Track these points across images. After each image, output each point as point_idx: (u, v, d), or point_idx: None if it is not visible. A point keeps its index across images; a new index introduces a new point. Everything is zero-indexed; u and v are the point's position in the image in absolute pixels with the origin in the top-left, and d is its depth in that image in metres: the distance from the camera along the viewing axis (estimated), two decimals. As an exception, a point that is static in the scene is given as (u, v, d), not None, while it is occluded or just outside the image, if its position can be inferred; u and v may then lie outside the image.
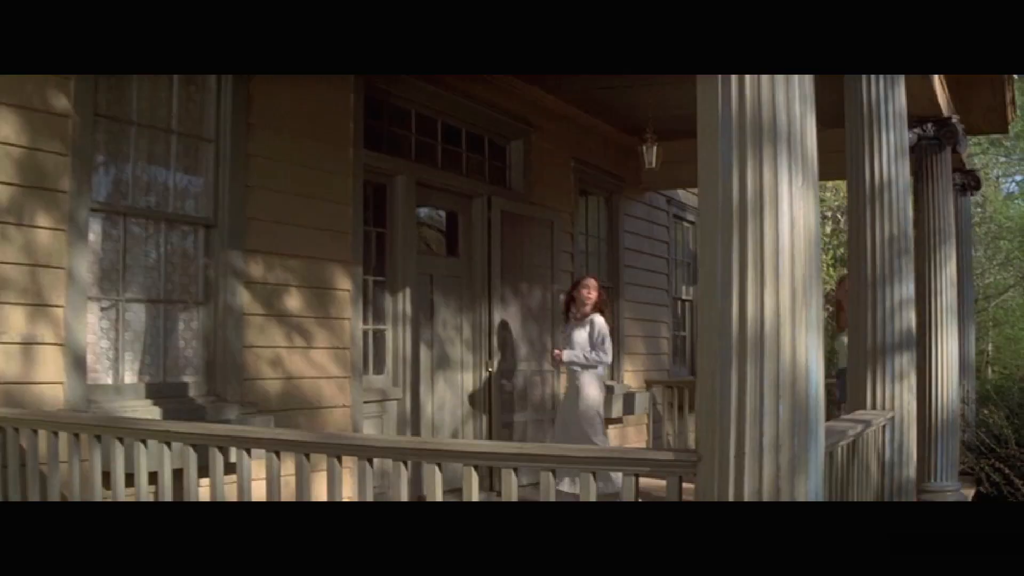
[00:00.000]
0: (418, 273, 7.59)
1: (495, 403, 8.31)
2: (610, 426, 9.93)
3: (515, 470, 3.32)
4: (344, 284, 6.66)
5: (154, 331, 5.54)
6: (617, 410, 9.70)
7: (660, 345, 11.51)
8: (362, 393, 6.80)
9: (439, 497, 3.46)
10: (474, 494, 3.39)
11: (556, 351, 7.81)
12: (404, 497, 3.56)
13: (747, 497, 2.83)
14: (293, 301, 6.25)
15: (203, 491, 4.24)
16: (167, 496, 4.08)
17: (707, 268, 2.97)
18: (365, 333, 7.05)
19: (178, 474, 4.12)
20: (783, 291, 2.88)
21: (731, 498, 2.85)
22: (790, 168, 2.91)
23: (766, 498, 2.83)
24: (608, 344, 7.71)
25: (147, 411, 5.18)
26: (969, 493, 8.22)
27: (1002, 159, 26.49)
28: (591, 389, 7.66)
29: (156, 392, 5.40)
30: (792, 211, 2.91)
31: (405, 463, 3.54)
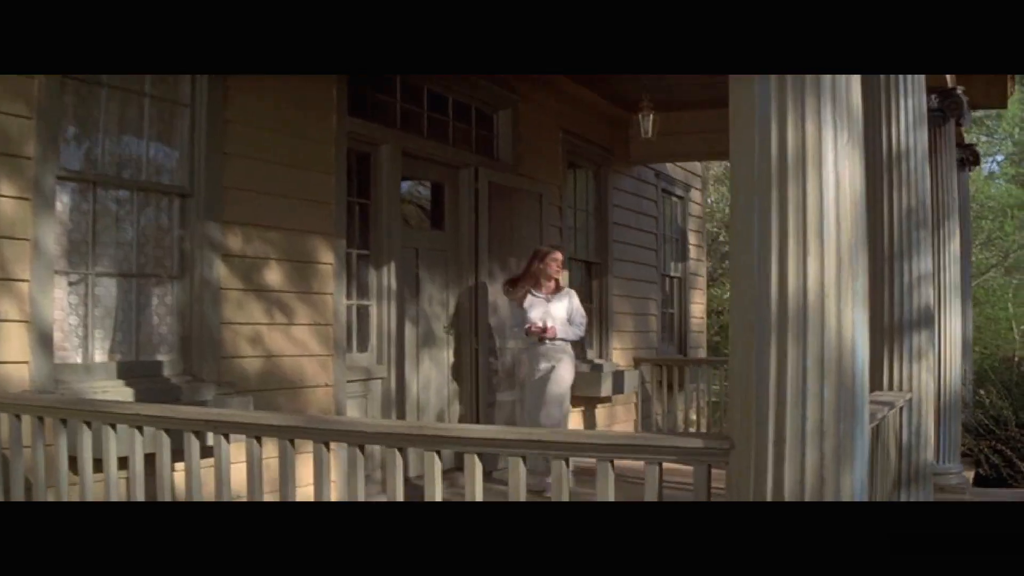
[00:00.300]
0: (403, 246, 7.28)
1: (482, 382, 8.02)
2: (599, 405, 9.69)
3: (523, 458, 3.03)
4: (326, 258, 6.35)
5: (126, 307, 5.25)
6: (606, 389, 9.41)
7: (649, 323, 11.24)
8: (345, 372, 6.51)
9: (438, 487, 3.16)
10: (477, 485, 3.09)
11: (550, 325, 7.21)
12: (400, 487, 3.26)
13: (787, 488, 2.56)
14: (273, 275, 5.94)
15: (178, 476, 3.97)
16: (139, 483, 3.79)
17: (742, 235, 2.67)
18: (348, 309, 6.75)
19: (150, 459, 3.82)
20: (828, 260, 2.59)
21: (769, 488, 2.58)
22: (835, 122, 2.62)
23: (808, 489, 2.56)
24: (584, 319, 7.53)
25: (119, 391, 4.91)
26: (969, 475, 8.03)
27: (983, 138, 26.46)
28: (569, 369, 7.30)
29: (128, 371, 5.11)
30: (837, 170, 2.62)
31: (400, 450, 3.24)
